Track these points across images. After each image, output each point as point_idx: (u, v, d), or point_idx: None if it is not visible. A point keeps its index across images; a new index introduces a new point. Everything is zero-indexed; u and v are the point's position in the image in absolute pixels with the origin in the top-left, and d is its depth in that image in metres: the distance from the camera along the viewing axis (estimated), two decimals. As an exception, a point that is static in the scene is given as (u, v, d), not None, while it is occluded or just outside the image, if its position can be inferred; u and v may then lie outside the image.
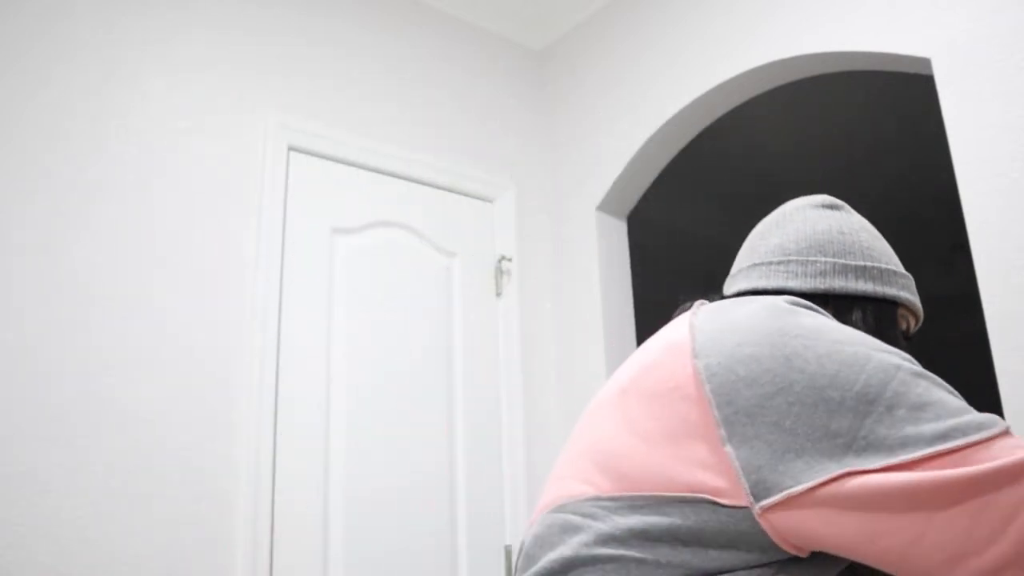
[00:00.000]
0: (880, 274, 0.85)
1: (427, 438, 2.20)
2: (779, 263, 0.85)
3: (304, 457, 1.99)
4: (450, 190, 2.49)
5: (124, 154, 1.92)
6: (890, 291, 0.84)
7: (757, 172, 3.95)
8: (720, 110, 2.39)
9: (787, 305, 0.70)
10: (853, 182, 4.08)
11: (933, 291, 5.38)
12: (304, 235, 2.15)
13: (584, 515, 0.68)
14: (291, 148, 2.18)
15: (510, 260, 2.54)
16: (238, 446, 1.90)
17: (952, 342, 5.53)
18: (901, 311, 0.86)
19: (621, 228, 2.64)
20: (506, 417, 2.41)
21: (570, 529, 0.69)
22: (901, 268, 0.88)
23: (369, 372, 2.16)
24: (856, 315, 0.82)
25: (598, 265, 2.50)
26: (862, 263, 0.85)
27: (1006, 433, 0.60)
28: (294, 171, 2.18)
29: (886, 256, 0.87)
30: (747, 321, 0.68)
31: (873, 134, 3.60)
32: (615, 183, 2.52)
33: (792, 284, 0.83)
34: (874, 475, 0.59)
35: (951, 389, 0.64)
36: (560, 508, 0.71)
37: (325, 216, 2.20)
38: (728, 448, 0.63)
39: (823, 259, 0.84)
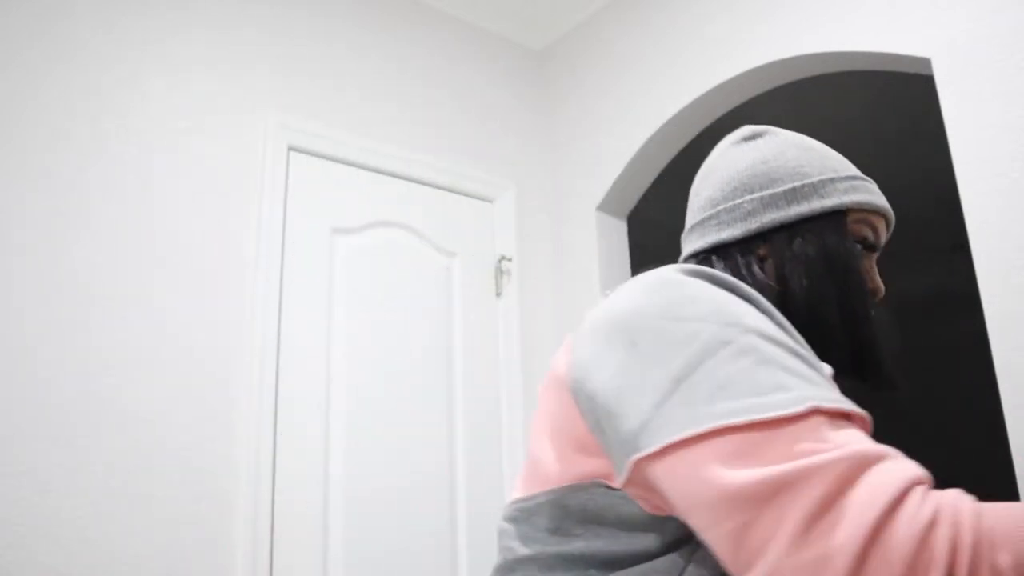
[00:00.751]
0: (813, 189, 0.78)
1: (427, 438, 2.20)
2: (710, 217, 0.81)
3: (304, 457, 1.98)
4: (450, 190, 2.49)
5: (124, 154, 1.92)
6: (829, 202, 0.77)
7: (757, 172, 3.95)
8: (720, 110, 2.39)
9: (661, 278, 0.64)
10: (853, 182, 4.08)
11: (933, 291, 5.38)
12: (304, 235, 2.15)
13: (510, 519, 0.69)
14: (291, 148, 2.18)
15: (510, 260, 2.54)
16: (238, 446, 1.90)
17: (952, 342, 5.53)
18: (855, 217, 0.79)
19: (621, 228, 2.64)
20: (506, 417, 2.40)
21: (503, 535, 0.70)
22: (848, 171, 0.80)
23: (369, 372, 2.16)
24: (797, 244, 0.76)
25: (598, 265, 2.50)
26: (790, 186, 0.78)
27: (809, 415, 0.52)
28: (294, 171, 2.18)
29: (821, 166, 0.80)
30: (616, 304, 0.65)
31: (873, 134, 3.60)
32: (615, 183, 2.52)
33: (725, 235, 0.79)
34: (659, 466, 0.55)
35: (795, 367, 0.56)
36: (503, 515, 0.72)
37: (325, 216, 2.20)
38: (594, 435, 0.62)
39: (749, 197, 0.79)
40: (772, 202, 0.78)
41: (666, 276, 0.64)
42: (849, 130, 3.58)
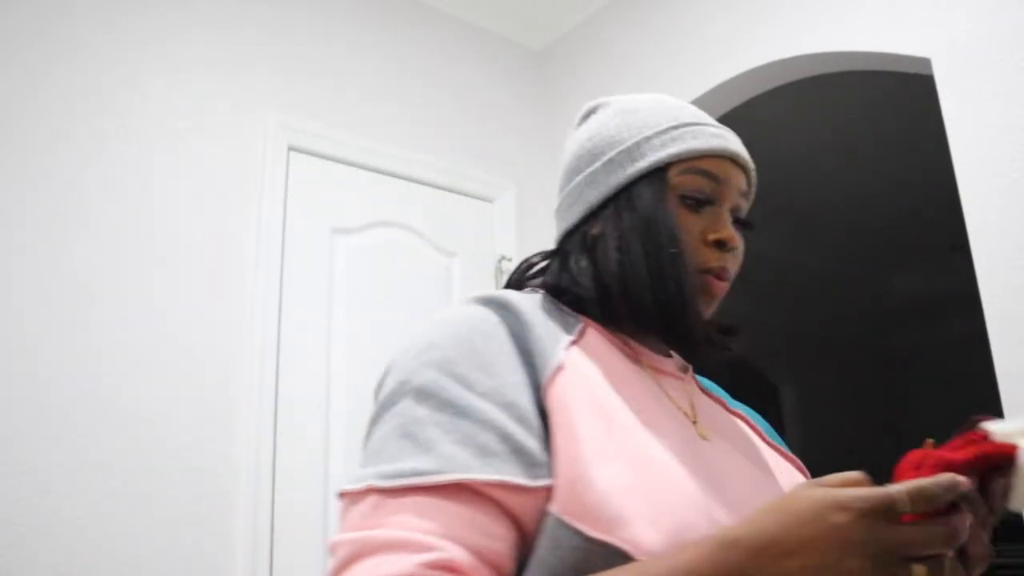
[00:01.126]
0: (627, 154, 0.73)
1: (427, 438, 2.20)
2: (557, 209, 0.80)
3: (304, 457, 1.98)
4: (450, 190, 2.49)
5: (124, 154, 1.92)
6: (643, 163, 0.72)
7: (757, 172, 3.95)
8: (720, 110, 2.39)
9: (441, 312, 0.68)
10: (853, 182, 4.08)
11: (933, 291, 5.38)
12: (304, 235, 2.15)
13: None
14: (291, 148, 2.18)
15: (510, 260, 2.54)
16: (238, 446, 1.90)
17: (952, 342, 5.53)
18: (680, 169, 0.72)
19: (621, 228, 2.64)
20: (506, 417, 2.40)
21: None
22: (671, 122, 0.74)
23: (369, 372, 2.15)
24: (615, 215, 0.72)
25: (598, 265, 2.50)
26: (608, 157, 0.74)
27: (365, 493, 0.56)
28: (294, 171, 2.18)
29: (639, 126, 0.74)
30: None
31: (873, 134, 3.60)
32: (615, 183, 2.51)
33: (566, 224, 0.77)
34: None
35: (419, 433, 0.57)
36: None
37: (325, 216, 2.20)
38: None
39: (577, 180, 0.76)
40: (594, 179, 0.75)
41: (445, 311, 0.67)
42: (849, 130, 3.58)
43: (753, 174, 0.77)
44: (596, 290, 0.71)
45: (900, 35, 1.84)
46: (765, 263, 4.82)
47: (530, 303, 0.68)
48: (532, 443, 0.58)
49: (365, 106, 2.37)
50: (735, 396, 0.98)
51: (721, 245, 0.72)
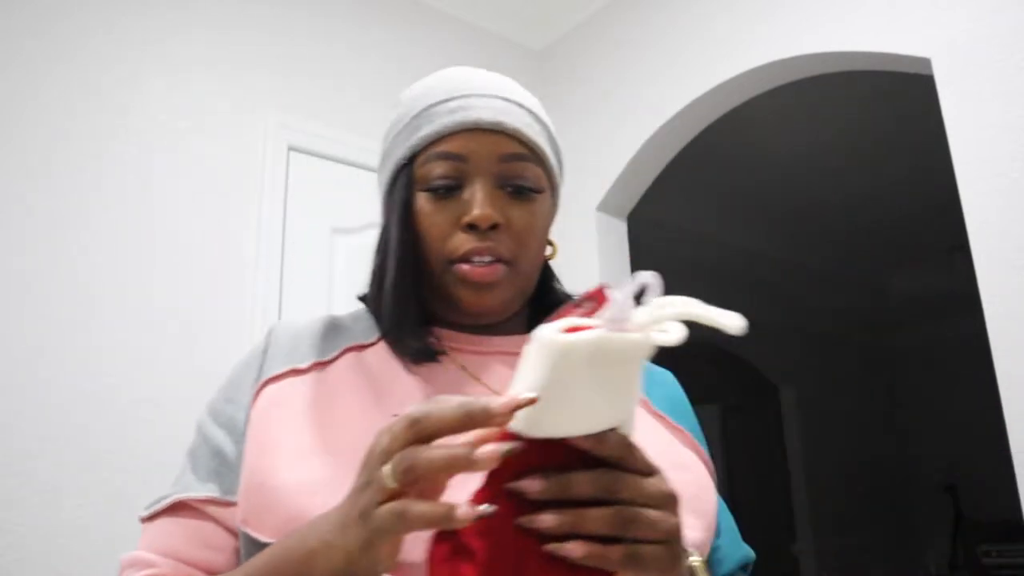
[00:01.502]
0: (386, 155, 0.71)
1: (427, 438, 2.20)
2: None
3: (304, 457, 1.98)
4: (450, 190, 2.49)
5: (124, 154, 1.92)
6: (391, 164, 0.69)
7: (757, 172, 3.95)
8: (720, 110, 2.39)
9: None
10: (853, 182, 4.08)
11: (933, 291, 5.38)
12: (304, 235, 2.15)
13: None
14: (291, 148, 2.18)
15: (510, 260, 2.54)
16: (238, 446, 1.90)
17: (952, 342, 5.53)
18: (426, 156, 0.66)
19: (621, 228, 2.64)
20: (506, 417, 2.40)
21: None
22: (417, 109, 0.69)
23: (369, 372, 2.15)
24: (389, 217, 0.69)
25: (598, 265, 2.50)
26: (381, 158, 0.73)
27: (143, 520, 0.66)
28: (294, 171, 2.18)
29: (395, 120, 0.71)
30: None
31: (873, 134, 3.60)
32: (615, 183, 2.52)
33: None
34: None
35: (184, 463, 0.68)
36: None
37: (325, 216, 2.20)
38: None
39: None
40: (379, 188, 0.73)
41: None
42: (849, 130, 3.58)
43: (523, 132, 0.66)
44: (370, 302, 0.72)
45: (900, 35, 1.84)
46: (765, 263, 4.82)
47: (326, 320, 0.72)
48: (238, 460, 0.63)
49: (365, 106, 2.37)
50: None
51: (471, 226, 0.64)
